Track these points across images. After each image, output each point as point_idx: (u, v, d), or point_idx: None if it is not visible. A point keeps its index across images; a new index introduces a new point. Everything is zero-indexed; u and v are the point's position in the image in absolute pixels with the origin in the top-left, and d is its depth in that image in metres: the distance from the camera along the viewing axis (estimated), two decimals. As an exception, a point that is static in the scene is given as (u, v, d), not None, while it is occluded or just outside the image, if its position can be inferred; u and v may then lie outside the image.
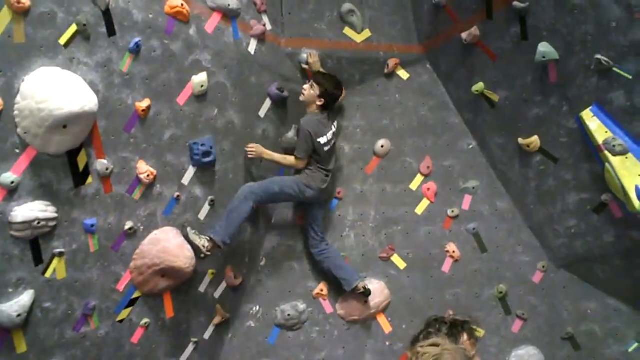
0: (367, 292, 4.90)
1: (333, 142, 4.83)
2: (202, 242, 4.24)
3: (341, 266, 4.98)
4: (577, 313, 5.01)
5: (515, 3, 4.28)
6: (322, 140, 4.69)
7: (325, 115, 4.75)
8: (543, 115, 4.54)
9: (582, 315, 5.00)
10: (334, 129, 4.83)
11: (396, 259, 5.22)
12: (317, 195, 4.80)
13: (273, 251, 5.11)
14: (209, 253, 4.28)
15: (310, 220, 4.99)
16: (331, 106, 4.79)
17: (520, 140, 4.75)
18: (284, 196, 4.75)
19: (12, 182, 3.12)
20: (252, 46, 4.59)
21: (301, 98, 4.73)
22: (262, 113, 4.81)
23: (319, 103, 4.66)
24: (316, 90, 4.63)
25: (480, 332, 5.09)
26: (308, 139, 4.64)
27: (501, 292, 5.11)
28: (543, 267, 5.09)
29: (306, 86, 4.70)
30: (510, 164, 5.04)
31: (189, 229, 4.26)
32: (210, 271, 4.56)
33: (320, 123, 4.70)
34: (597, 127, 4.04)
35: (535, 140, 4.66)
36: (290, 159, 4.74)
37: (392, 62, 5.28)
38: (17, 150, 3.16)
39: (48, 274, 3.40)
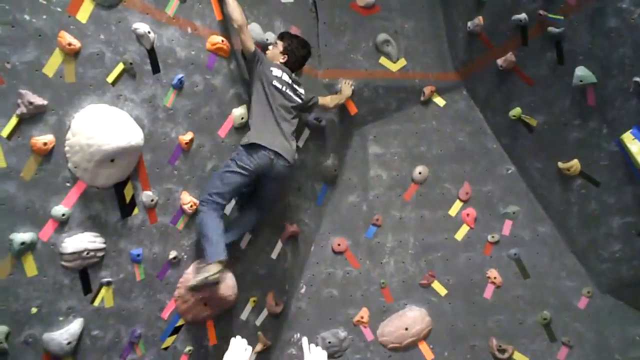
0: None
1: (295, 101, 4.32)
2: (206, 274, 3.83)
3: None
4: (625, 339, 4.87)
5: (550, 28, 4.30)
6: (277, 72, 4.22)
7: (289, 70, 4.34)
8: (582, 139, 4.50)
9: (630, 341, 4.85)
10: (299, 89, 4.38)
11: (437, 285, 5.19)
12: (268, 161, 4.06)
13: (313, 278, 5.14)
14: (216, 276, 3.85)
15: (261, 195, 4.37)
16: (296, 65, 4.44)
17: (560, 164, 4.71)
18: (232, 182, 4.00)
19: (63, 215, 3.25)
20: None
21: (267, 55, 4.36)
22: (300, 143, 4.89)
23: (282, 60, 4.33)
24: (279, 47, 4.36)
25: (525, 360, 5.02)
26: (260, 55, 4.19)
27: (545, 319, 5.02)
28: (588, 292, 4.98)
29: (270, 46, 4.45)
30: (550, 188, 4.99)
31: (192, 282, 3.93)
32: (251, 299, 4.62)
33: (278, 65, 4.29)
34: (639, 149, 3.99)
35: (575, 164, 4.62)
36: (239, 9, 4.03)
37: (428, 90, 5.33)
38: (68, 184, 3.29)
39: (96, 303, 3.51)
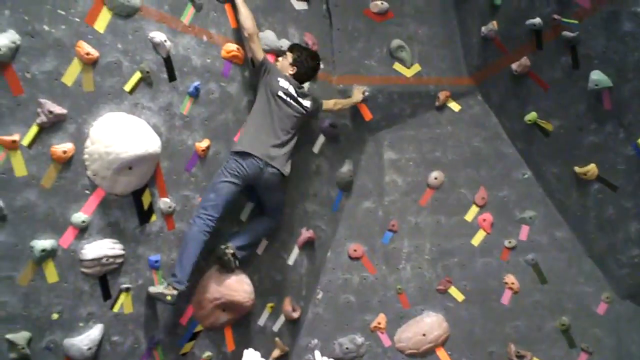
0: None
1: (300, 112, 4.29)
2: (163, 292, 3.69)
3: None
4: (646, 346, 4.82)
5: (565, 32, 4.29)
6: (283, 84, 4.21)
7: (298, 83, 4.33)
8: (599, 143, 4.47)
9: (651, 348, 4.80)
10: (304, 101, 4.33)
11: (454, 291, 5.17)
12: (258, 170, 4.05)
13: (329, 284, 5.14)
14: (169, 299, 3.68)
15: (262, 204, 4.44)
16: (305, 77, 4.44)
17: (576, 168, 4.68)
18: (225, 191, 3.95)
19: (83, 222, 3.30)
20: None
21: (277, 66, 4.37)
22: (315, 149, 4.92)
23: (291, 72, 4.32)
24: (289, 59, 4.36)
25: (543, 366, 4.98)
26: (268, 64, 4.22)
27: (564, 325, 4.98)
28: (607, 298, 4.93)
29: (280, 58, 4.47)
30: (567, 193, 4.96)
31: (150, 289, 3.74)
32: (269, 305, 4.64)
33: (286, 77, 4.28)
34: (656, 153, 3.97)
35: (592, 169, 4.58)
36: (251, 18, 4.10)
37: (442, 95, 5.33)
38: (87, 191, 3.35)
39: (116, 309, 3.55)
